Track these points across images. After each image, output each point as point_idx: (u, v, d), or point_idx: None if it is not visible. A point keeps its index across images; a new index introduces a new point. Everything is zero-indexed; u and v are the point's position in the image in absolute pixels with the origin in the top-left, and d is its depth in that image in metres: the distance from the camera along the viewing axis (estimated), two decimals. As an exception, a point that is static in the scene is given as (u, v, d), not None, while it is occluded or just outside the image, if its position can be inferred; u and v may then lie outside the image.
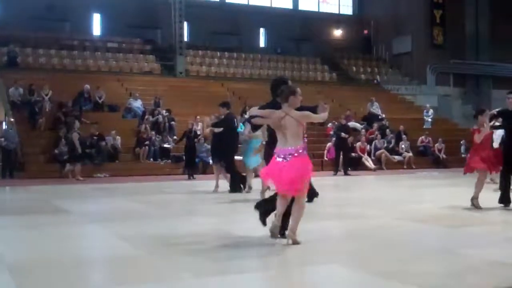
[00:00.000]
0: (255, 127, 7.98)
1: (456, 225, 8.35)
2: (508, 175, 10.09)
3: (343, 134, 20.70)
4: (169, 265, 5.77)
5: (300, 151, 6.61)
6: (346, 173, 20.15)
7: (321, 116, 7.09)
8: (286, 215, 6.77)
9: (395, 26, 36.00)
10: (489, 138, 10.31)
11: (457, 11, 34.92)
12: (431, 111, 28.81)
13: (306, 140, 6.83)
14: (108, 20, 32.26)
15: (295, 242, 6.51)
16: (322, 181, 17.98)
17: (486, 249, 6.42)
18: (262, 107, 7.26)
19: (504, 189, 10.15)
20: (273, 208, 6.93)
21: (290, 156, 6.53)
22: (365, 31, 38.48)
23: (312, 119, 7.04)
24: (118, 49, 30.97)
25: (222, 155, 12.79)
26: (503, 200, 10.01)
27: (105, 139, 20.34)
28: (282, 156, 6.57)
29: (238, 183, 12.65)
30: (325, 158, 22.62)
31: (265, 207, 7.24)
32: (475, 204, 9.87)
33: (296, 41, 36.78)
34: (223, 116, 12.84)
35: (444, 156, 24.61)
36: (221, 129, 12.61)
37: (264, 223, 7.10)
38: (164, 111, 22.96)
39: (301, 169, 6.55)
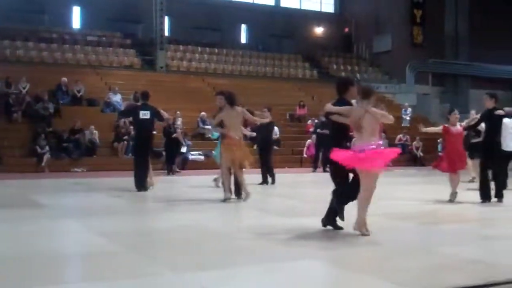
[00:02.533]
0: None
1: (432, 222, 8.44)
2: (485, 171, 10.37)
3: (322, 131, 20.77)
4: (146, 260, 5.75)
5: (374, 146, 6.89)
6: (325, 170, 20.20)
7: (391, 118, 7.29)
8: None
9: (376, 24, 36.17)
10: (460, 137, 10.74)
11: (437, 11, 35.16)
12: (409, 109, 29.00)
13: (383, 137, 7.10)
14: (88, 13, 31.97)
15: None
16: (302, 178, 18.09)
17: (461, 247, 6.48)
18: (333, 105, 7.32)
19: (482, 185, 10.41)
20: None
21: (367, 149, 6.85)
22: (346, 29, 38.61)
23: (387, 119, 7.17)
24: (98, 42, 30.70)
25: None
26: (484, 196, 10.31)
27: (84, 133, 20.21)
28: (359, 150, 6.88)
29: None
30: (304, 155, 22.68)
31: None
32: (451, 198, 10.39)
33: (278, 38, 36.78)
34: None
35: (421, 154, 24.81)
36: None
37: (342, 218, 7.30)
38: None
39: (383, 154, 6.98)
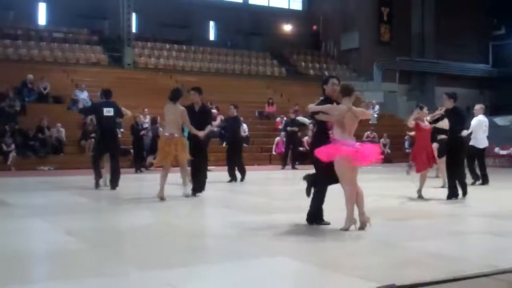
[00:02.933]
0: None
1: (400, 218, 8.54)
2: (451, 168, 10.50)
3: (292, 128, 20.91)
4: (113, 258, 5.72)
5: (358, 144, 7.17)
6: (294, 167, 20.33)
7: (369, 113, 7.94)
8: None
9: (344, 22, 36.40)
10: (429, 133, 10.83)
11: (404, 9, 35.57)
12: (377, 107, 29.29)
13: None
14: (54, 9, 31.54)
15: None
16: (271, 175, 18.14)
17: (428, 242, 6.59)
18: (318, 104, 7.50)
19: (450, 184, 10.53)
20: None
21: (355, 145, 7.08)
22: (314, 27, 38.79)
23: (366, 115, 7.57)
24: (64, 39, 30.35)
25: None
26: (451, 195, 10.42)
27: (50, 131, 19.97)
28: (347, 144, 7.00)
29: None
30: (273, 152, 22.76)
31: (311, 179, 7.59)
32: (419, 195, 10.55)
33: (246, 35, 36.79)
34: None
35: (388, 151, 25.08)
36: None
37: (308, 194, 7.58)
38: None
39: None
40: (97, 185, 12.20)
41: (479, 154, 14.02)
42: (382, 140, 25.33)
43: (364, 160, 7.16)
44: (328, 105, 7.30)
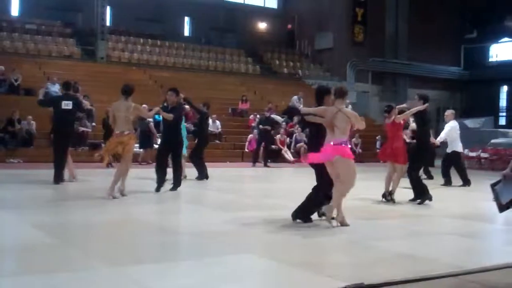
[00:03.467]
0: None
1: (369, 217, 8.62)
2: (413, 172, 10.40)
3: (265, 127, 20.97)
4: (82, 253, 5.69)
5: (344, 144, 7.32)
6: (266, 165, 20.37)
7: (363, 124, 7.76)
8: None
9: (318, 22, 36.53)
10: (400, 131, 10.68)
11: (378, 11, 35.81)
12: (350, 106, 29.37)
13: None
14: (27, 1, 31.17)
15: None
16: (242, 172, 18.15)
17: (397, 242, 6.68)
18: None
19: (416, 185, 10.44)
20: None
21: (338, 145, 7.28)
22: (289, 26, 38.88)
23: (359, 123, 7.60)
24: (37, 31, 29.97)
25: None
26: (418, 195, 10.36)
27: (20, 124, 19.71)
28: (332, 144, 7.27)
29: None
30: (246, 150, 22.78)
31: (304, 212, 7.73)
32: (392, 198, 10.34)
33: (221, 32, 36.75)
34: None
35: (360, 150, 25.24)
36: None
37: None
38: (83, 96, 22.44)
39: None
40: (61, 180, 11.96)
41: (458, 158, 14.24)
42: (353, 139, 25.46)
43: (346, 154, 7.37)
44: (320, 108, 7.51)
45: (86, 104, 12.57)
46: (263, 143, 21.02)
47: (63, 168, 12.12)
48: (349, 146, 7.61)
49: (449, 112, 14.45)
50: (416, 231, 7.72)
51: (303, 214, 7.66)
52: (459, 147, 14.15)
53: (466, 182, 14.07)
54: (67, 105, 11.90)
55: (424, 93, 11.31)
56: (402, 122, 10.52)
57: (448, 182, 14.09)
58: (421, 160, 10.87)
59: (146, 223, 7.75)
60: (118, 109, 10.13)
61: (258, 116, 23.11)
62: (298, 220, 7.60)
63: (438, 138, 14.06)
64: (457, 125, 14.23)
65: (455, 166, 14.24)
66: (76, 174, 12.58)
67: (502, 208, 5.05)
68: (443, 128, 14.22)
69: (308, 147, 8.02)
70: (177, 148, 11.29)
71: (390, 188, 10.44)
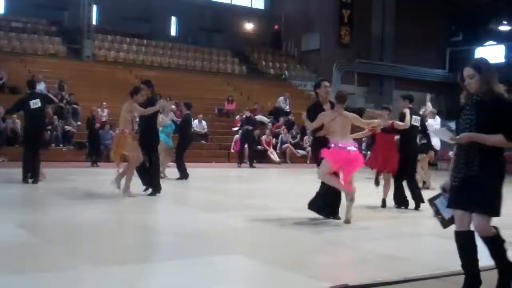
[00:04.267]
0: None
1: (355, 219, 8.63)
2: (399, 180, 10.02)
3: (246, 127, 21.00)
4: (66, 253, 5.66)
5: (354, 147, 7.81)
6: (251, 166, 20.38)
7: (364, 122, 8.20)
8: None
9: (305, 23, 36.58)
10: (392, 138, 10.23)
11: (365, 12, 35.91)
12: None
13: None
14: (13, -2, 30.98)
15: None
16: (227, 173, 18.16)
17: (381, 243, 6.69)
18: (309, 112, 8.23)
19: (397, 192, 10.05)
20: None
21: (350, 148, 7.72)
22: (276, 26, 38.92)
23: (360, 122, 8.09)
24: (23, 29, 29.78)
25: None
26: (399, 202, 9.99)
27: (5, 122, 19.58)
28: (342, 146, 7.66)
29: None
30: (232, 150, 22.77)
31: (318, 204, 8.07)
32: (384, 205, 9.97)
33: (208, 32, 36.69)
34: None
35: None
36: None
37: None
38: (68, 95, 22.36)
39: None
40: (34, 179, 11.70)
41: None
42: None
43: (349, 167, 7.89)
44: (320, 118, 7.79)
45: (54, 98, 12.27)
46: (245, 144, 21.05)
47: (38, 168, 11.85)
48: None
49: (430, 111, 14.37)
50: (402, 232, 7.75)
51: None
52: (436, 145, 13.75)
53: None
54: (35, 104, 11.65)
55: (408, 93, 10.83)
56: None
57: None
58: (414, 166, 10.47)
59: (131, 223, 7.73)
60: (122, 109, 10.13)
61: (243, 116, 23.14)
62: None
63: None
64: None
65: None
66: (45, 173, 12.32)
67: (445, 223, 4.80)
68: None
69: (313, 152, 8.45)
70: (153, 144, 10.62)
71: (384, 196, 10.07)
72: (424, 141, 11.75)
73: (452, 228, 8.02)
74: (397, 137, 10.32)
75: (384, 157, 9.93)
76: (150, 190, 10.42)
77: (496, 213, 4.24)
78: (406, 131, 9.96)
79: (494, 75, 4.37)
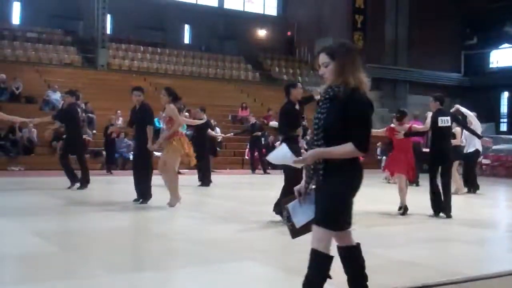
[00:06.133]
0: None
1: (369, 224, 8.61)
2: (434, 180, 9.66)
3: (256, 133, 21.02)
4: (82, 261, 5.69)
5: None
6: (265, 172, 20.36)
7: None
8: None
9: (318, 28, 36.58)
10: (409, 142, 10.13)
11: (378, 17, 35.86)
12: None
13: None
14: (29, 9, 31.24)
15: None
16: (240, 179, 18.14)
17: (397, 249, 6.66)
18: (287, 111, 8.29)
19: (433, 196, 9.67)
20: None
21: None
22: (289, 33, 38.95)
23: None
24: (38, 39, 30.02)
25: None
26: (435, 207, 9.60)
27: (21, 131, 19.75)
28: None
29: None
30: (246, 157, 22.78)
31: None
32: (402, 211, 9.71)
33: (221, 39, 36.81)
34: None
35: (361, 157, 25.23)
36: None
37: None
38: (83, 104, 22.49)
39: None
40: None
41: (477, 157, 14.32)
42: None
43: None
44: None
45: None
46: (255, 151, 21.06)
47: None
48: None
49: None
50: (418, 238, 7.71)
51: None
52: (479, 145, 13.68)
53: (474, 187, 13.80)
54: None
55: (438, 94, 10.53)
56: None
57: (476, 188, 13.74)
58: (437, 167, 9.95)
59: (147, 230, 7.75)
60: (175, 113, 10.02)
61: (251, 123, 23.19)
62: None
63: (463, 140, 13.68)
64: (479, 124, 13.83)
65: (470, 167, 13.86)
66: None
67: (294, 232, 4.01)
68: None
69: None
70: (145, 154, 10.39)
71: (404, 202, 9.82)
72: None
73: (474, 233, 7.98)
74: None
75: (403, 161, 9.78)
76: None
77: (332, 226, 3.68)
78: (433, 133, 9.80)
79: (352, 62, 3.63)
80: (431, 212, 9.63)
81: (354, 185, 3.69)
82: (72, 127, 12.70)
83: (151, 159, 10.56)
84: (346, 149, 3.49)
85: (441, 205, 9.51)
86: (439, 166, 9.66)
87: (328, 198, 3.58)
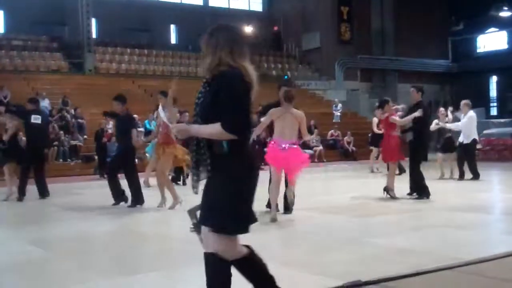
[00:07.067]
0: None
1: (365, 214, 8.63)
2: (417, 168, 10.11)
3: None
4: (79, 267, 5.66)
5: (294, 145, 7.97)
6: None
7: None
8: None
9: (304, 22, 36.60)
10: (394, 128, 10.37)
11: (363, 8, 35.92)
12: (340, 105, 29.53)
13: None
14: (12, 17, 31.08)
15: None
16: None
17: (392, 238, 6.66)
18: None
19: (415, 181, 10.23)
20: None
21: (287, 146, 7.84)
22: (275, 28, 38.93)
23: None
24: (24, 46, 29.86)
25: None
26: (421, 192, 10.09)
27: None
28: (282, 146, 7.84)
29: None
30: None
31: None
32: (391, 195, 10.11)
33: (208, 37, 36.71)
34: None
35: (353, 148, 25.29)
36: None
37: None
38: (73, 110, 22.43)
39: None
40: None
41: (475, 148, 14.51)
42: (346, 138, 25.53)
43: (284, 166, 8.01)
44: (268, 116, 8.17)
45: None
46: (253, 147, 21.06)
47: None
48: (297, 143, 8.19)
49: (464, 103, 14.14)
50: (412, 225, 7.72)
51: None
52: (477, 136, 14.14)
53: (476, 175, 13.89)
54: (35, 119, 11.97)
55: (418, 85, 10.89)
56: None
57: (477, 176, 13.81)
58: (422, 154, 10.45)
59: (141, 233, 7.72)
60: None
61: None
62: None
63: (453, 126, 14.08)
64: (475, 116, 14.00)
65: (469, 156, 14.01)
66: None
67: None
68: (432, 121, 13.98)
69: None
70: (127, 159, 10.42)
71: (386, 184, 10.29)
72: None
73: (468, 218, 8.00)
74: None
75: (387, 147, 10.34)
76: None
77: (221, 229, 3.44)
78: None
79: (224, 41, 3.31)
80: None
81: (243, 180, 3.44)
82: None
83: (134, 161, 10.71)
84: (212, 129, 3.19)
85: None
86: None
87: (218, 195, 3.34)
